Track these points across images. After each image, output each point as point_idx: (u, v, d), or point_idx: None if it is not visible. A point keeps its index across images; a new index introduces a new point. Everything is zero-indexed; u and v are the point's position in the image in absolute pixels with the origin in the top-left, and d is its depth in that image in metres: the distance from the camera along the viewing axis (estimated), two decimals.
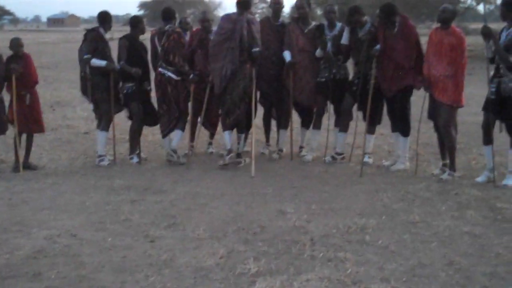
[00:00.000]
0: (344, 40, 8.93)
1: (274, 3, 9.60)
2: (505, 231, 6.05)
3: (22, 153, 8.93)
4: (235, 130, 9.29)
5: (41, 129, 9.22)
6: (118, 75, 9.15)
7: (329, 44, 9.08)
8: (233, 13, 9.03)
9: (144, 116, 9.31)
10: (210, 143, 10.15)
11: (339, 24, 9.18)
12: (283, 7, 9.78)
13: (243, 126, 9.28)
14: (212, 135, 10.17)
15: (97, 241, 5.89)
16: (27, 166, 8.90)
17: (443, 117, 8.03)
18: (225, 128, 9.20)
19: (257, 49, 8.85)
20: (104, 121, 9.25)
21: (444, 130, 8.08)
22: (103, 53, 9.05)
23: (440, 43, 7.95)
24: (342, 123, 9.15)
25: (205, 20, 9.60)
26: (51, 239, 5.95)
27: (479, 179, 7.95)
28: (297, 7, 9.51)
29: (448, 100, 7.94)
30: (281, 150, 9.61)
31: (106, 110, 9.16)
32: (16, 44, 8.90)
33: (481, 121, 8.09)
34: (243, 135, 9.35)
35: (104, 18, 9.30)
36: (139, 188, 7.78)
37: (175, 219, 6.53)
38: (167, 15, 9.36)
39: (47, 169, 8.95)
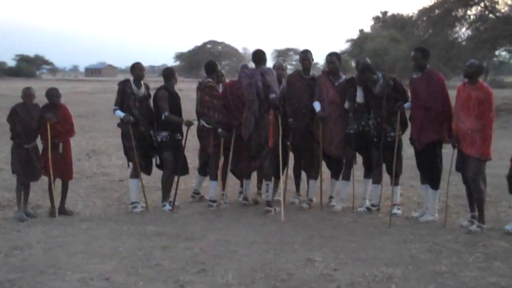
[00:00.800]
0: (359, 99, 9.20)
1: (303, 59, 9.90)
2: None
3: (57, 199, 9.17)
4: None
5: (70, 176, 9.50)
6: (142, 125, 9.43)
7: (358, 97, 9.28)
8: (251, 68, 9.52)
9: (175, 165, 9.55)
10: (241, 192, 10.30)
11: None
12: (311, 62, 10.00)
13: (268, 174, 9.46)
14: (242, 184, 10.34)
15: (129, 285, 6.07)
16: (63, 211, 9.17)
17: (471, 170, 8.11)
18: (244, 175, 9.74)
19: (273, 95, 9.11)
20: (133, 169, 9.51)
21: (472, 183, 8.16)
22: (128, 103, 9.39)
23: (468, 98, 8.10)
24: (375, 175, 9.29)
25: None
26: (84, 282, 6.14)
27: (508, 227, 8.01)
28: (327, 62, 9.79)
29: (477, 153, 8.04)
30: (311, 200, 9.74)
31: (133, 158, 9.43)
32: (52, 94, 9.24)
33: None
34: (270, 184, 9.46)
35: (131, 68, 9.68)
36: (171, 235, 7.94)
37: (205, 265, 6.67)
38: (208, 68, 9.81)
39: (81, 214, 9.20)
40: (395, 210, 9.11)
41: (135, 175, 9.50)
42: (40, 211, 9.32)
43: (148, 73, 9.17)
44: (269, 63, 10.13)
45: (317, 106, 9.49)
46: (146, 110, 9.57)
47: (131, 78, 9.58)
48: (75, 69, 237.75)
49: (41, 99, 9.46)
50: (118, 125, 9.57)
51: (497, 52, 39.49)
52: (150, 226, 8.39)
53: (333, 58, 9.73)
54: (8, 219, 8.83)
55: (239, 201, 10.07)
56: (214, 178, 9.75)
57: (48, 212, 9.17)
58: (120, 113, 9.34)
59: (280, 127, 9.25)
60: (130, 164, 9.65)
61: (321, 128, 9.41)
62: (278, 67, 10.14)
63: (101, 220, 8.85)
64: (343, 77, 9.78)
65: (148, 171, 9.87)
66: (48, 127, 8.96)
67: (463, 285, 6.02)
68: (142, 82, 9.62)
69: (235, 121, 9.50)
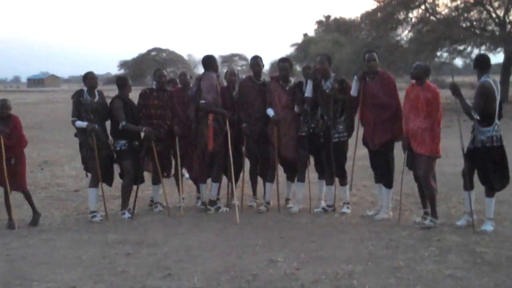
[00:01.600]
0: (308, 93, 9.46)
1: (253, 65, 10.12)
2: (485, 274, 6.37)
3: (14, 210, 9.17)
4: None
5: (24, 188, 9.47)
6: (101, 134, 9.47)
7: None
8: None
9: (135, 173, 9.63)
10: (198, 197, 10.47)
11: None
12: (262, 68, 10.24)
13: (216, 177, 9.81)
14: (197, 189, 10.52)
15: None
16: (35, 221, 9.28)
17: (422, 168, 8.42)
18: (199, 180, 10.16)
19: (202, 101, 9.52)
20: (92, 178, 9.55)
21: (423, 180, 8.46)
22: (85, 113, 9.40)
23: (417, 98, 8.42)
24: (327, 176, 9.53)
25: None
26: None
27: (459, 222, 8.39)
28: (280, 68, 9.99)
29: (426, 151, 8.36)
30: (268, 203, 9.91)
31: (93, 168, 9.47)
32: (2, 105, 9.14)
33: (460, 171, 8.49)
34: (215, 185, 9.86)
35: (84, 78, 9.73)
36: (133, 242, 8.02)
37: (170, 270, 6.79)
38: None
39: (40, 225, 9.16)
40: (344, 209, 9.44)
41: (94, 184, 9.51)
42: None
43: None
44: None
45: (270, 111, 9.71)
46: (102, 118, 9.61)
47: (85, 88, 9.60)
48: (16, 79, 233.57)
49: None
50: (75, 135, 9.56)
51: (438, 53, 40.35)
52: (111, 234, 8.44)
53: (285, 65, 9.98)
54: None
55: (197, 206, 10.17)
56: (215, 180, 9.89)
57: (7, 224, 9.12)
58: (81, 123, 9.31)
59: (224, 131, 9.55)
60: (89, 174, 9.67)
61: (276, 132, 9.63)
62: (230, 73, 10.34)
63: (61, 230, 8.85)
64: (292, 80, 10.04)
65: (110, 182, 9.88)
66: (1, 139, 8.92)
67: (421, 278, 6.28)
68: (96, 91, 9.64)
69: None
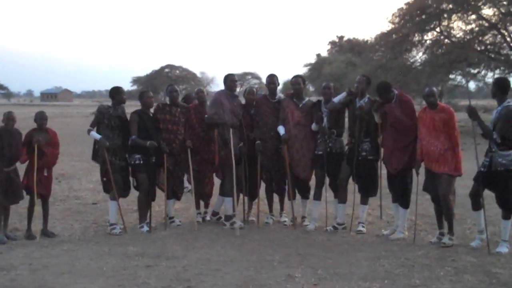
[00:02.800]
0: (336, 99, 9.60)
1: (269, 83, 10.31)
2: None
3: (34, 221, 9.32)
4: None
5: (49, 193, 9.75)
6: (117, 149, 9.66)
7: (325, 119, 9.68)
8: None
9: (150, 188, 9.82)
10: (205, 212, 10.69)
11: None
12: (277, 86, 10.45)
13: (226, 191, 10.02)
14: (206, 205, 10.75)
15: None
16: (46, 233, 9.33)
17: (443, 187, 8.55)
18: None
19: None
20: (112, 191, 9.72)
21: (444, 199, 8.57)
22: (107, 127, 9.65)
23: (433, 121, 8.59)
24: (341, 195, 9.66)
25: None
26: None
27: (473, 243, 8.46)
28: (292, 83, 10.22)
29: (449, 169, 8.52)
30: (295, 219, 10.06)
31: (111, 181, 9.61)
32: (41, 117, 9.48)
33: None
34: (228, 200, 10.03)
35: (111, 93, 9.92)
36: (152, 255, 8.16)
37: (190, 282, 6.92)
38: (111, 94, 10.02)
39: (61, 236, 9.34)
40: (360, 228, 9.55)
41: (113, 197, 9.68)
42: (19, 234, 9.41)
43: (105, 97, 9.32)
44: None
45: (281, 129, 9.91)
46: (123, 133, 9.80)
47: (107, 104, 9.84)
48: (29, 93, 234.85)
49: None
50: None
51: (452, 76, 40.44)
52: (131, 247, 8.58)
53: (298, 80, 10.22)
54: None
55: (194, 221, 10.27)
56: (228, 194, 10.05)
57: (25, 234, 9.28)
58: (95, 135, 9.58)
59: (228, 141, 9.80)
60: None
61: (286, 149, 9.79)
62: (249, 92, 10.50)
63: (81, 242, 9.00)
64: (307, 98, 10.22)
65: (125, 194, 10.04)
66: (36, 149, 9.14)
67: None
68: (120, 106, 9.89)
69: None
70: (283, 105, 10.07)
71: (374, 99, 9.41)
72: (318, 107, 9.88)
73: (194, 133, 10.20)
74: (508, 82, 8.40)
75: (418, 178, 8.83)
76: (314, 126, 9.80)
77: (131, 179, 9.96)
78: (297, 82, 10.15)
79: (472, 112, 8.11)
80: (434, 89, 8.92)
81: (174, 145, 10.01)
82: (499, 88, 8.24)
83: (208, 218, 10.56)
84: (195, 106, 10.49)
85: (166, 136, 9.97)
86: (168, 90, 10.33)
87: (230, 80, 10.34)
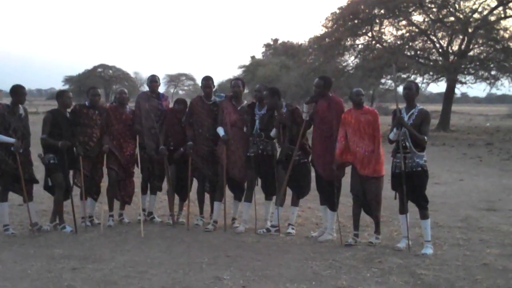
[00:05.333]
0: (304, 114, 9.41)
1: (205, 86, 10.26)
2: None
3: None
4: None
5: None
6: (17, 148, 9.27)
7: (257, 122, 9.69)
8: None
9: (67, 187, 9.71)
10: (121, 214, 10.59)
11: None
12: (213, 89, 10.40)
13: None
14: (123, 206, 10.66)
15: None
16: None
17: (372, 190, 8.76)
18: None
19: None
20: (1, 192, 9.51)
21: (374, 202, 8.80)
22: (12, 128, 9.34)
23: (358, 122, 8.76)
24: (278, 197, 9.70)
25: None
26: None
27: (399, 245, 8.62)
28: (232, 86, 10.21)
29: (372, 172, 8.70)
30: (215, 222, 10.00)
31: (2, 182, 9.43)
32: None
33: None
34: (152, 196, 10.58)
35: (12, 91, 9.54)
36: (79, 257, 8.01)
37: (117, 285, 6.84)
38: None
39: None
40: (289, 230, 9.61)
41: (2, 198, 9.50)
42: None
43: (35, 96, 9.05)
44: (161, 89, 10.78)
45: (221, 131, 9.85)
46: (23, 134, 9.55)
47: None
48: None
49: None
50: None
51: (383, 80, 41.23)
52: (57, 249, 8.41)
53: (238, 82, 10.27)
54: None
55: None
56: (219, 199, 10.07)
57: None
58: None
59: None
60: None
61: (224, 151, 9.76)
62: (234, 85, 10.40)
63: (5, 244, 8.76)
64: (245, 102, 10.22)
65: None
66: None
67: None
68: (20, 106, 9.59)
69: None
70: (221, 106, 10.05)
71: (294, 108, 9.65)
72: (251, 109, 9.89)
73: (110, 135, 10.15)
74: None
75: (344, 181, 8.97)
76: (245, 129, 9.84)
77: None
78: (237, 85, 10.17)
79: (402, 122, 8.33)
80: (361, 90, 9.09)
81: (89, 147, 9.86)
82: (417, 92, 8.64)
83: (126, 220, 10.44)
84: (114, 107, 10.37)
85: (82, 139, 9.81)
86: (90, 93, 10.10)
87: (150, 81, 10.58)
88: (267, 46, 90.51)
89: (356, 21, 36.93)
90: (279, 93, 9.68)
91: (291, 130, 9.36)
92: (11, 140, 9.16)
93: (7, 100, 11.77)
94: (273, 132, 9.54)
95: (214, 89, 10.42)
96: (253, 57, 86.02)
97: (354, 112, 8.84)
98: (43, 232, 9.47)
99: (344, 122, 8.91)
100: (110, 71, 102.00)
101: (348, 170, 9.23)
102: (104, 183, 10.18)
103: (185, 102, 10.60)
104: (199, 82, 10.67)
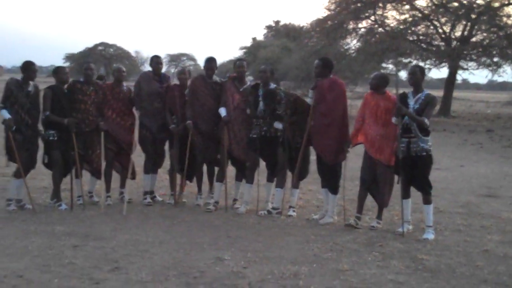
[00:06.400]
0: (309, 99, 9.42)
1: (207, 69, 10.19)
2: (426, 280, 6.59)
3: None
4: None
5: None
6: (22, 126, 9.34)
7: (261, 104, 9.64)
8: None
9: (64, 165, 9.67)
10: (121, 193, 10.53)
11: (273, 86, 9.77)
12: (215, 71, 10.33)
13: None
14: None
15: (44, 283, 6.14)
16: None
17: (387, 177, 8.83)
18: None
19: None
20: (16, 168, 9.51)
21: (386, 188, 8.87)
22: (18, 103, 9.32)
23: (376, 106, 8.73)
24: (279, 179, 9.67)
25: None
26: None
27: (400, 229, 8.61)
28: (237, 66, 10.16)
29: (384, 159, 8.69)
30: (216, 202, 10.00)
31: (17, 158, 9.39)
32: None
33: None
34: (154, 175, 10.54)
35: (23, 67, 9.52)
36: (80, 234, 8.01)
37: (118, 263, 6.82)
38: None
39: None
40: (290, 212, 9.61)
41: (17, 174, 9.49)
42: None
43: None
44: (162, 69, 10.75)
45: (222, 111, 9.81)
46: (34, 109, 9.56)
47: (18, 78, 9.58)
48: None
49: None
50: (3, 123, 9.45)
51: (384, 65, 41.09)
52: (58, 226, 8.41)
53: (242, 63, 10.22)
54: None
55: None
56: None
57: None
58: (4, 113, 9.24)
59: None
60: (10, 162, 9.64)
61: (227, 131, 9.74)
62: (181, 73, 10.56)
63: (6, 220, 8.76)
64: (248, 83, 10.16)
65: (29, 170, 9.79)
66: None
67: (365, 281, 6.46)
68: (31, 82, 9.61)
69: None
70: (225, 87, 9.99)
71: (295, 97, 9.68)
72: (254, 90, 9.84)
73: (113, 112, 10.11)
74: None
75: (347, 164, 8.99)
76: (248, 111, 9.79)
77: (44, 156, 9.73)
78: (241, 65, 10.13)
79: (401, 109, 8.31)
80: (380, 73, 9.11)
81: (84, 125, 9.81)
82: (422, 76, 8.62)
83: (126, 197, 10.18)
84: (111, 85, 10.29)
85: (76, 115, 9.74)
86: (84, 68, 10.07)
87: (154, 62, 10.44)
88: (269, 28, 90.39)
89: (359, 5, 36.74)
90: (331, 66, 9.42)
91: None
92: (6, 115, 9.15)
93: (7, 76, 11.72)
94: (276, 124, 9.51)
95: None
96: (254, 39, 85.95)
97: (375, 96, 8.81)
98: (26, 210, 9.47)
99: (365, 103, 8.92)
100: (111, 50, 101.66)
101: (350, 154, 9.21)
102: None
103: (188, 72, 10.67)
104: (200, 62, 10.69)
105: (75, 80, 10.08)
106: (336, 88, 9.07)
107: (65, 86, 9.86)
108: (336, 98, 9.03)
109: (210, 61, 10.22)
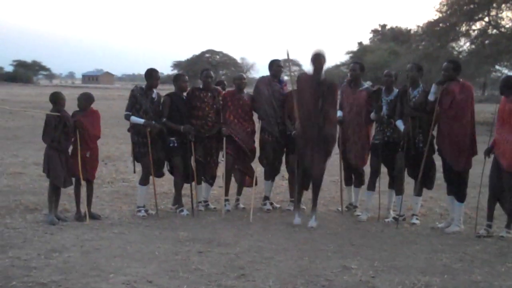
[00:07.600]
0: (431, 95, 8.97)
1: (316, 62, 9.29)
2: None
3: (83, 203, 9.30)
4: None
5: (93, 176, 9.60)
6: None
7: (384, 108, 9.41)
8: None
9: (185, 171, 9.76)
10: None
11: (396, 90, 9.49)
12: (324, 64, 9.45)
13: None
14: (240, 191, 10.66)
15: None
16: (90, 215, 9.22)
17: (506, 182, 8.34)
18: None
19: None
20: (143, 175, 9.68)
21: (509, 193, 8.34)
22: (143, 109, 9.50)
23: (503, 110, 8.36)
24: (397, 185, 9.42)
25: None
26: (129, 284, 6.25)
27: None
28: (350, 69, 10.12)
29: (506, 164, 8.25)
30: (355, 206, 10.09)
31: (145, 165, 9.58)
32: (85, 98, 9.45)
33: None
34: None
35: (147, 75, 9.75)
36: (203, 240, 8.05)
37: (244, 270, 6.79)
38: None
39: (111, 219, 9.26)
40: (413, 220, 9.35)
41: (143, 181, 9.69)
42: (69, 215, 9.37)
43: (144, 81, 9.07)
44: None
45: (339, 114, 9.75)
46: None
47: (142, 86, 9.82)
48: (71, 75, 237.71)
49: (43, 105, 9.50)
50: (128, 130, 9.73)
51: (499, 67, 39.69)
52: (181, 232, 8.49)
53: (355, 66, 10.11)
54: (39, 222, 8.84)
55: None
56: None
57: (75, 216, 9.23)
58: (138, 119, 9.40)
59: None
60: (137, 170, 9.91)
61: (341, 134, 9.72)
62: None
63: (131, 225, 8.94)
64: (364, 85, 9.96)
65: (160, 174, 10.06)
66: (77, 131, 9.08)
67: None
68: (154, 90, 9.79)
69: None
70: (340, 90, 9.94)
71: (427, 90, 9.08)
72: (378, 95, 9.63)
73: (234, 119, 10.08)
74: None
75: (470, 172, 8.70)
76: (372, 115, 9.58)
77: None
78: (354, 68, 10.01)
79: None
80: (505, 76, 8.70)
81: (203, 130, 9.88)
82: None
83: (241, 205, 10.43)
84: (231, 93, 10.32)
85: (195, 122, 9.82)
86: (203, 75, 10.09)
87: (276, 65, 10.30)
88: (375, 32, 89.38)
89: (472, 6, 35.63)
90: (460, 69, 9.07)
91: (420, 118, 9.04)
92: (140, 120, 9.34)
93: (118, 84, 12.00)
94: (399, 123, 9.22)
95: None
96: (360, 43, 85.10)
97: (507, 102, 8.43)
98: (149, 215, 9.64)
99: (498, 110, 8.55)
100: (217, 57, 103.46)
101: (475, 161, 8.88)
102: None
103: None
104: (304, 68, 10.53)
105: (194, 87, 10.17)
106: (465, 92, 8.74)
107: (184, 93, 9.97)
108: (465, 102, 8.69)
109: (318, 56, 9.28)
